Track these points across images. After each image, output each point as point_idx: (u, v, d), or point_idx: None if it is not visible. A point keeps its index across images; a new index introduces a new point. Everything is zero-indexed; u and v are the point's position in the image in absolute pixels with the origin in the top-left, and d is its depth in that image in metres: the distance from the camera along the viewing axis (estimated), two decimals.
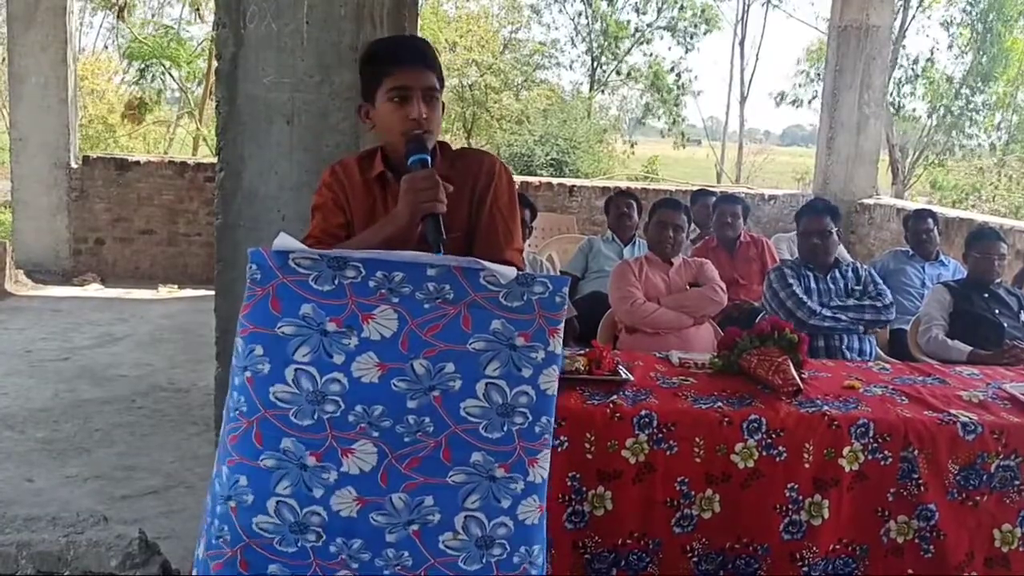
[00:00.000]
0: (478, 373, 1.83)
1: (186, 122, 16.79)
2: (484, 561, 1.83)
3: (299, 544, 1.80)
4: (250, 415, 1.84)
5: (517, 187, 2.43)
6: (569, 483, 2.81)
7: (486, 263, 1.85)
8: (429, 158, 2.15)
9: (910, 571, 2.90)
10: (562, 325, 1.90)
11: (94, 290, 8.52)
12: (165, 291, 8.46)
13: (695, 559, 2.87)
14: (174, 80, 14.99)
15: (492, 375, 1.84)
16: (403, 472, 1.81)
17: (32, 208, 8.87)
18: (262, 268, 1.84)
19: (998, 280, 4.46)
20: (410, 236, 2.11)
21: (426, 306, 1.83)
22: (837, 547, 2.89)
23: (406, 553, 1.81)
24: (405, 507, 1.81)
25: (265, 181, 3.01)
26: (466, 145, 19.50)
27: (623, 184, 11.10)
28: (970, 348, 4.14)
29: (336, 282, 1.82)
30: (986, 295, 4.40)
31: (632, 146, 24.21)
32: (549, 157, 17.09)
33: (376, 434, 1.80)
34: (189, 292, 8.52)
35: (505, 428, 1.84)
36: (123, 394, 5.32)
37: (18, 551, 2.94)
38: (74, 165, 8.92)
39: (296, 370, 1.81)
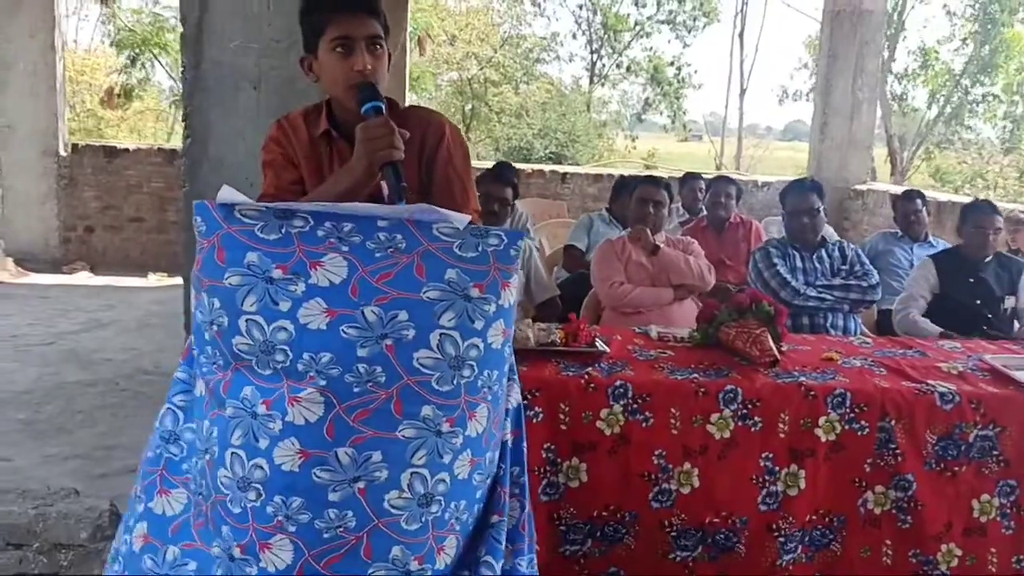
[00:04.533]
0: (432, 323, 1.75)
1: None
2: (423, 520, 1.76)
3: (243, 504, 1.72)
4: (225, 368, 1.78)
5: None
6: (544, 455, 2.77)
7: (438, 208, 1.79)
8: (383, 105, 2.07)
9: (888, 541, 2.87)
10: (515, 279, 1.84)
11: (83, 278, 8.49)
12: (155, 278, 8.42)
13: (674, 534, 2.83)
14: (163, 68, 14.91)
15: (447, 326, 1.75)
16: (351, 425, 1.71)
17: (21, 196, 8.85)
18: (207, 220, 1.77)
19: (989, 257, 4.29)
20: (366, 188, 2.04)
21: (377, 255, 1.75)
22: (814, 518, 2.85)
23: (350, 513, 1.71)
24: (352, 463, 1.71)
25: (232, 148, 2.97)
26: (467, 138, 19.45)
27: (617, 172, 11.04)
28: (940, 330, 4.04)
29: (283, 231, 1.74)
30: (972, 280, 4.25)
31: (633, 140, 24.11)
32: (548, 151, 17.05)
33: (323, 383, 1.70)
34: (179, 279, 8.40)
35: (455, 381, 1.77)
36: (107, 377, 5.29)
37: None
38: (63, 153, 8.90)
39: (247, 320, 1.73)
